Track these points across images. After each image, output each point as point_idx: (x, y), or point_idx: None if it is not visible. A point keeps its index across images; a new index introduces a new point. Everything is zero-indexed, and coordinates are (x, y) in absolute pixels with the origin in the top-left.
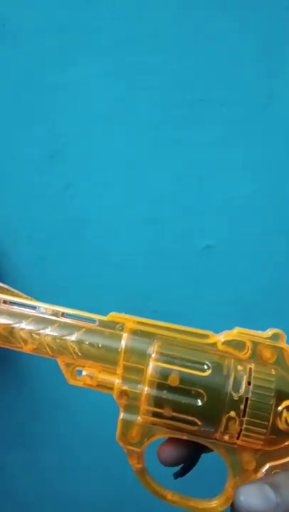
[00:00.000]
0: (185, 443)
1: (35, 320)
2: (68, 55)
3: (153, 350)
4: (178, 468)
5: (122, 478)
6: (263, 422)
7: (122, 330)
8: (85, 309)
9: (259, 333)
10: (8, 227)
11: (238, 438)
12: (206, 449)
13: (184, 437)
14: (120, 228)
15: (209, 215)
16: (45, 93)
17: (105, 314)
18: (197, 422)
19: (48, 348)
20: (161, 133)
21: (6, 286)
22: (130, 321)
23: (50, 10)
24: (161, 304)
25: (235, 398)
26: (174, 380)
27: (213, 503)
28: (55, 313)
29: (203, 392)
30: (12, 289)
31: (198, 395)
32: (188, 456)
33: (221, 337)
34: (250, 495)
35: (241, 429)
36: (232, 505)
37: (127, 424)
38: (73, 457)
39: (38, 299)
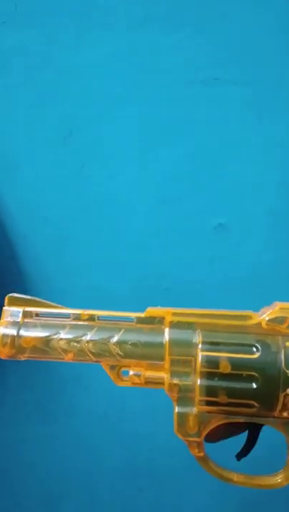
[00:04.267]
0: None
1: (72, 328)
2: (81, 36)
3: (198, 339)
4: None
5: (136, 451)
6: None
7: (161, 324)
8: (101, 288)
9: None
10: (25, 208)
11: None
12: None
13: (241, 420)
14: (134, 207)
15: (222, 194)
16: (59, 74)
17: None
18: (254, 404)
19: (90, 355)
20: (174, 113)
21: (35, 298)
22: (168, 313)
23: None
24: (175, 281)
25: None
26: (225, 367)
27: (278, 478)
28: (91, 318)
29: (257, 375)
30: (42, 300)
31: (251, 378)
32: (247, 438)
33: (265, 316)
34: None
35: None
36: None
37: (183, 417)
38: (89, 431)
39: (54, 279)
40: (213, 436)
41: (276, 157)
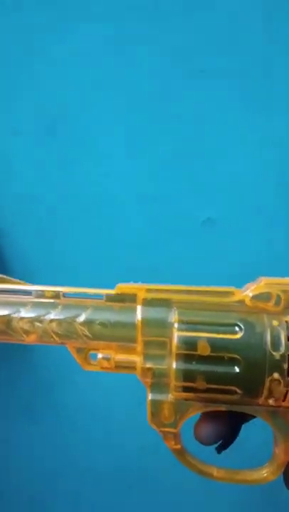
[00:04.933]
0: (222, 416)
1: (34, 306)
2: (67, 23)
3: (174, 318)
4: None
5: (125, 448)
6: None
7: (133, 301)
8: (90, 285)
9: (288, 279)
10: (13, 207)
11: (284, 400)
12: (246, 418)
13: (222, 408)
14: (123, 204)
15: (212, 189)
16: (44, 63)
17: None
18: (237, 390)
19: (54, 336)
20: (161, 106)
21: None
22: (141, 290)
23: None
24: (167, 278)
25: (277, 358)
26: (204, 349)
27: (264, 473)
28: (56, 295)
29: (239, 357)
30: (0, 275)
31: (233, 361)
32: (229, 428)
33: (248, 292)
34: None
35: (288, 391)
36: (286, 472)
37: (157, 405)
38: (75, 430)
39: (45, 278)
40: (205, 439)
41: (268, 152)
